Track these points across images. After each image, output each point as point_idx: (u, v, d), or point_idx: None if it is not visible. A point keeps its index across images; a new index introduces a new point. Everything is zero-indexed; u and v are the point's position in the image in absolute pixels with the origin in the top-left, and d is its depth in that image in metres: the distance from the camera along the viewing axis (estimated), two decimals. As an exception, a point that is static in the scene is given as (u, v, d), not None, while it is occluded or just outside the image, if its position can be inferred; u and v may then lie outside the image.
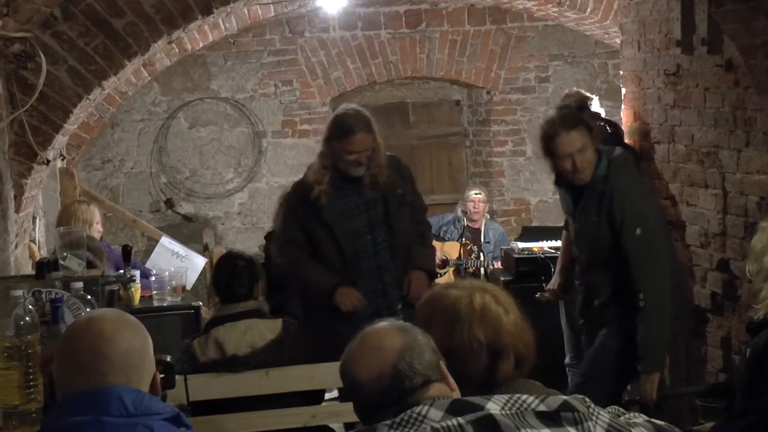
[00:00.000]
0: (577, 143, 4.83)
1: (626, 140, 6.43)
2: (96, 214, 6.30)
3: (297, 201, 5.16)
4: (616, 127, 6.44)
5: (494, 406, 2.15)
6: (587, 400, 2.30)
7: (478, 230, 8.80)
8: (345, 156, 4.99)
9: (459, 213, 8.71)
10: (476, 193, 8.72)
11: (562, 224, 6.29)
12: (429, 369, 2.28)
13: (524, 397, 2.19)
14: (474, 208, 8.71)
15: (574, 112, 5.30)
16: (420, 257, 5.21)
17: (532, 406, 2.17)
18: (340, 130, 5.02)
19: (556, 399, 2.20)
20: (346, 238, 5.05)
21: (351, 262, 5.05)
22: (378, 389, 2.26)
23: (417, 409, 2.14)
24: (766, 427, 3.85)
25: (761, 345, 4.00)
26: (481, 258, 8.53)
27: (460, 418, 2.11)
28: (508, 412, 2.14)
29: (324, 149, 5.10)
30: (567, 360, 6.11)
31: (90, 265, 4.35)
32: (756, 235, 4.19)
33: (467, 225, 8.67)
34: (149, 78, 8.29)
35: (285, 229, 5.32)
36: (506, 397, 2.19)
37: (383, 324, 2.38)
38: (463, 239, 8.58)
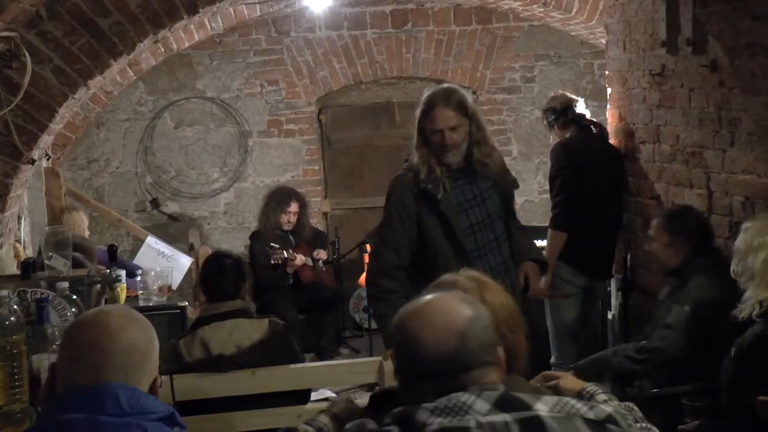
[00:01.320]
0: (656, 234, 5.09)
1: (611, 140, 6.46)
2: (84, 220, 6.30)
3: (410, 196, 4.50)
4: (601, 127, 6.46)
5: (543, 406, 2.08)
6: (628, 416, 2.27)
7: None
8: (431, 137, 4.44)
9: None
10: None
11: (547, 224, 6.31)
12: (492, 348, 2.18)
13: (572, 401, 2.13)
14: None
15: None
16: (532, 249, 4.75)
17: (581, 412, 2.11)
18: (423, 105, 4.49)
19: (602, 410, 2.14)
20: (465, 234, 4.48)
21: (473, 259, 4.39)
22: (439, 353, 2.11)
23: (463, 398, 2.06)
24: (750, 426, 3.87)
25: (746, 344, 4.03)
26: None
27: (507, 415, 2.04)
28: (556, 414, 2.07)
29: (417, 136, 4.52)
30: (552, 359, 6.13)
31: (80, 265, 4.34)
32: (740, 236, 4.22)
33: None
34: (135, 77, 8.27)
35: (387, 231, 4.58)
36: (555, 398, 2.13)
37: (446, 293, 2.28)
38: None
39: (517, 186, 4.86)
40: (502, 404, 2.06)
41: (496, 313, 2.50)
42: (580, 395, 2.69)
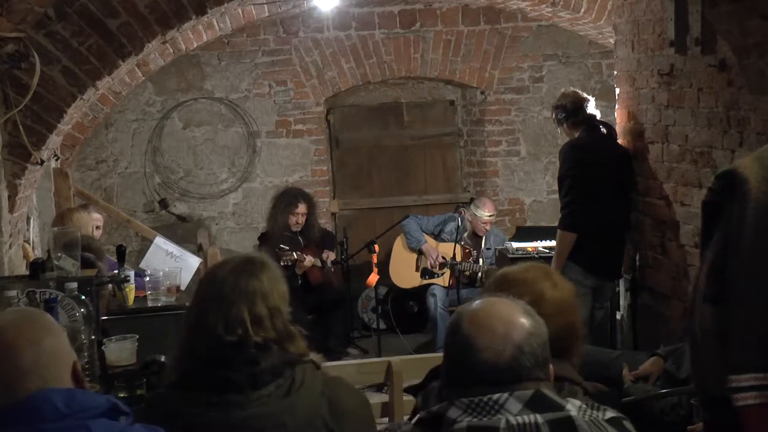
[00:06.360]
0: None
1: (620, 140, 6.45)
2: (88, 220, 6.29)
3: None
4: (610, 127, 6.45)
5: (572, 407, 2.07)
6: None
7: (480, 237, 8.81)
8: None
9: (460, 221, 8.61)
10: (489, 215, 8.67)
11: (555, 224, 6.31)
12: (545, 365, 2.15)
13: (590, 410, 2.12)
14: (486, 228, 8.68)
15: None
16: None
17: (600, 416, 2.10)
18: None
19: (612, 411, 2.14)
20: None
21: None
22: (493, 362, 2.08)
23: (495, 396, 2.05)
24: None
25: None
26: (480, 263, 8.55)
27: (538, 416, 2.02)
28: (583, 416, 2.06)
29: None
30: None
31: (92, 265, 4.34)
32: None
33: (471, 233, 8.71)
34: (143, 78, 8.28)
35: None
36: (578, 403, 2.11)
37: (503, 299, 2.24)
38: (463, 243, 8.59)
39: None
40: (535, 404, 2.04)
41: (564, 298, 2.72)
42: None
